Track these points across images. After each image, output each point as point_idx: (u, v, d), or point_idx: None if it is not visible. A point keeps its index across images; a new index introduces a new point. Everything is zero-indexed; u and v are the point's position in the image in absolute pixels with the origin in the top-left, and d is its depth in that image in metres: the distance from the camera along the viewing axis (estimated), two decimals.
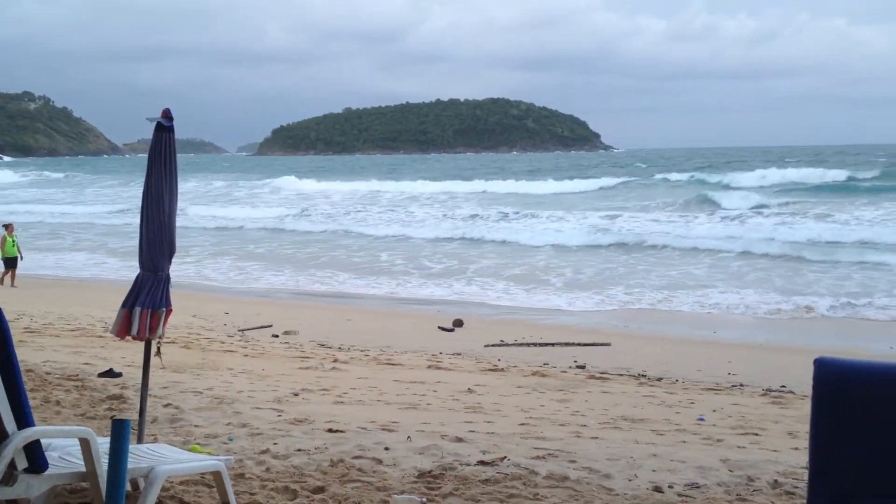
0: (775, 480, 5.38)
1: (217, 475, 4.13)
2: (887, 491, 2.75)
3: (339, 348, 10.70)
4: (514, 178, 50.27)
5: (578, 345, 11.01)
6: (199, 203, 38.43)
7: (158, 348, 4.79)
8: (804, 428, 6.27)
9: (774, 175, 41.89)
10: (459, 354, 10.52)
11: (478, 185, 46.39)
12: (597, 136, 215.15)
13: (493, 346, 11.09)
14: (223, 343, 10.60)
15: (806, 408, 3.04)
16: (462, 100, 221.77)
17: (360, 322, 13.02)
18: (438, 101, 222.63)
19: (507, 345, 11.15)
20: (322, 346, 10.88)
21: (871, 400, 2.82)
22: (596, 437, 6.48)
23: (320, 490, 4.86)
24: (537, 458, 5.75)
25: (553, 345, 11.03)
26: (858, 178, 39.30)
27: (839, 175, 40.52)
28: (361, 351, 10.47)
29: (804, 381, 3.19)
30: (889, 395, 2.80)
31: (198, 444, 5.64)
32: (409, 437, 6.19)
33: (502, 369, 9.49)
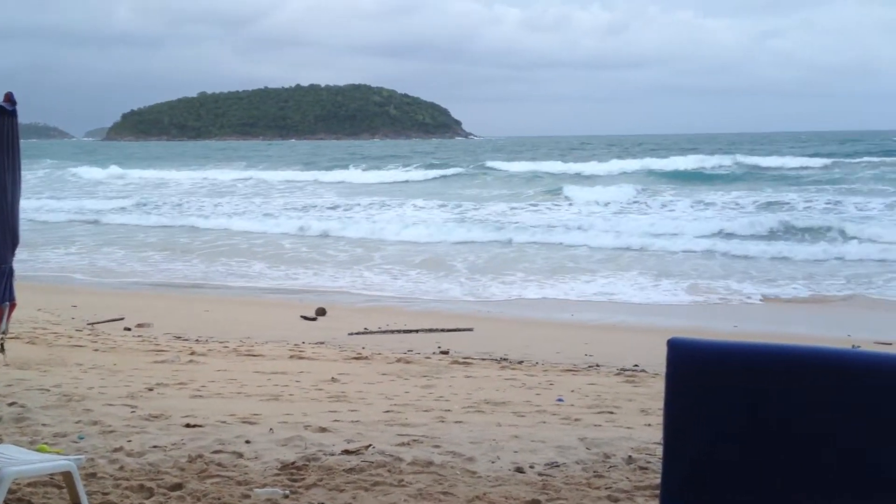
0: (630, 456, 5.59)
1: (67, 475, 3.97)
2: (737, 466, 2.89)
3: (197, 340, 10.38)
4: (378, 167, 49.36)
5: (442, 330, 11.10)
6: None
7: (2, 344, 4.51)
8: (656, 405, 6.55)
9: (632, 164, 42.76)
10: (323, 343, 10.41)
11: (337, 174, 45.34)
12: (458, 123, 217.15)
13: (356, 333, 11.03)
14: (71, 338, 10.09)
15: (657, 385, 3.15)
16: (323, 85, 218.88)
17: (219, 313, 12.68)
18: (299, 87, 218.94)
19: (371, 332, 11.12)
20: (178, 338, 10.52)
21: (722, 377, 2.94)
22: (460, 422, 6.55)
23: (178, 487, 4.71)
24: (402, 444, 5.76)
25: (417, 331, 11.07)
26: (711, 165, 40.71)
27: (706, 162, 41.72)
28: (220, 342, 10.20)
29: (655, 361, 3.31)
30: (737, 371, 2.94)
31: (46, 443, 5.36)
32: (271, 429, 6.08)
33: (366, 357, 9.46)
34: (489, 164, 48.03)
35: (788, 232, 21.36)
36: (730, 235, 20.77)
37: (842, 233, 20.62)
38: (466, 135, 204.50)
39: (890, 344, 9.57)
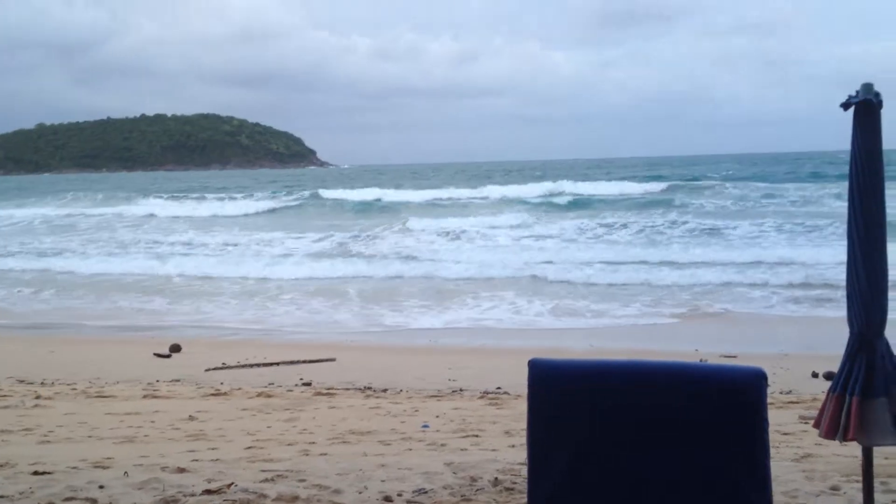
0: (496, 478, 5.65)
1: None
2: (596, 480, 2.97)
3: (42, 383, 9.82)
4: (218, 197, 47.39)
5: (304, 362, 10.93)
6: None
7: None
8: (519, 426, 6.66)
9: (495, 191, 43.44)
10: (178, 381, 10.05)
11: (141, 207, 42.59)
12: (313, 152, 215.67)
13: (214, 369, 10.71)
14: None
15: (520, 406, 3.21)
16: (170, 115, 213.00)
17: (65, 353, 12.04)
18: (144, 117, 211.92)
19: (229, 367, 10.82)
20: (21, 381, 9.92)
21: (580, 395, 3.03)
22: (325, 454, 6.45)
23: None
24: (266, 480, 5.62)
25: (278, 364, 10.86)
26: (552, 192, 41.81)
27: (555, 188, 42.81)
28: (68, 385, 9.68)
29: (517, 382, 3.38)
30: (591, 388, 3.03)
31: None
32: (125, 472, 5.80)
33: (225, 393, 9.19)
34: (325, 193, 47.04)
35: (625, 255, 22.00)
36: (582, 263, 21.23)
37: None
38: (322, 164, 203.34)
39: (735, 357, 10.10)
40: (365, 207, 39.36)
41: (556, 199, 38.77)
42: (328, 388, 9.44)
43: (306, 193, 47.81)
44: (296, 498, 5.26)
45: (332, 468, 5.96)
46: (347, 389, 9.44)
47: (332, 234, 28.68)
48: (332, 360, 11.15)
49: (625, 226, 28.34)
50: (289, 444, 6.81)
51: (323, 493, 5.39)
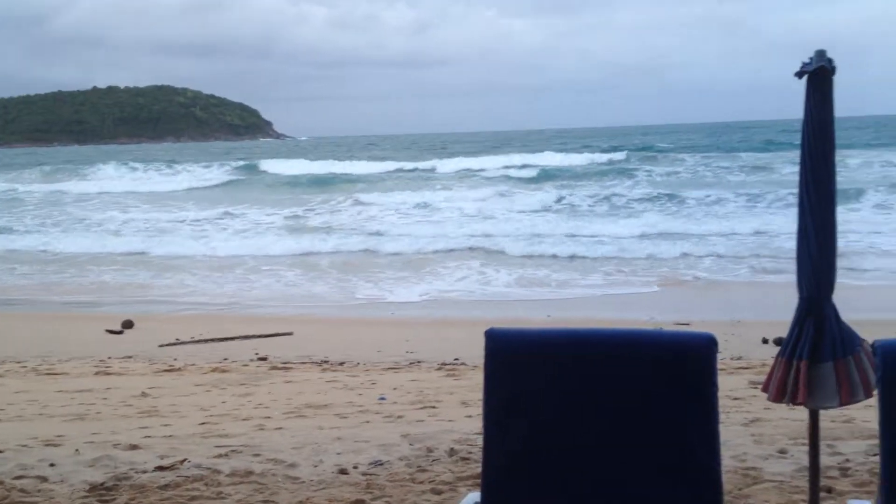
0: (452, 448, 5.67)
1: None
2: (552, 452, 2.97)
3: None
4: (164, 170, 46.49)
5: (260, 336, 10.84)
6: None
7: None
8: (476, 396, 6.68)
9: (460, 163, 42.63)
10: (131, 357, 9.91)
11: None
12: (269, 124, 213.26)
13: (168, 345, 10.58)
14: None
15: (477, 377, 3.19)
16: (122, 87, 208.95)
17: (13, 329, 11.81)
18: (95, 89, 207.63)
19: (183, 343, 10.69)
20: None
21: (535, 364, 3.02)
22: (280, 428, 6.42)
23: None
24: (220, 456, 5.57)
25: (233, 338, 10.76)
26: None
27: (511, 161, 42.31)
28: (17, 362, 9.50)
29: (475, 353, 3.37)
30: (550, 357, 3.02)
31: None
32: (77, 450, 5.71)
33: (179, 369, 9.09)
34: (276, 166, 45.43)
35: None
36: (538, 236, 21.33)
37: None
38: (278, 135, 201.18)
39: (688, 324, 10.21)
40: (318, 181, 38.74)
41: (519, 172, 38.52)
42: (284, 363, 9.38)
43: (259, 166, 46.95)
44: (250, 473, 5.23)
45: (288, 442, 5.93)
46: (304, 363, 9.39)
47: (282, 210, 28.18)
48: (290, 333, 11.07)
49: (589, 196, 28.41)
50: (243, 420, 6.76)
51: (278, 467, 5.37)
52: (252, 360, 9.59)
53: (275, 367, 9.10)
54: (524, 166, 40.08)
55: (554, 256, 17.59)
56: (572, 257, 17.46)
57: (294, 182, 38.71)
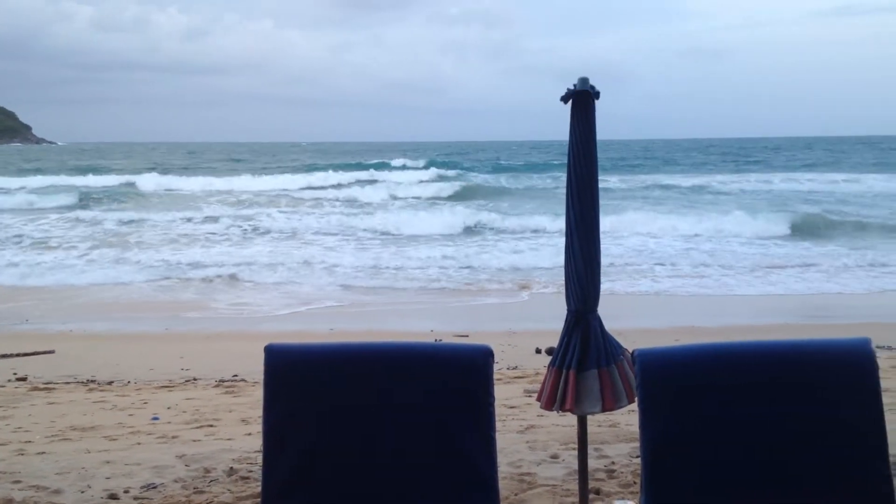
0: (231, 468, 5.52)
1: None
2: (334, 468, 2.96)
3: None
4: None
5: (18, 355, 10.04)
6: None
7: None
8: (256, 414, 6.53)
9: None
10: None
11: None
12: (28, 127, 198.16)
13: None
14: None
15: (257, 394, 3.13)
16: None
17: None
18: None
19: None
20: None
21: (316, 379, 3.01)
22: (43, 453, 5.98)
23: None
24: None
25: None
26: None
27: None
28: None
29: (255, 369, 3.30)
30: (331, 372, 3.02)
31: None
32: None
33: None
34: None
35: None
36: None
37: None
38: (39, 140, 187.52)
39: (466, 336, 10.53)
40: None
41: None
42: (46, 383, 8.75)
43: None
44: (10, 501, 4.84)
45: (51, 467, 5.54)
46: (68, 383, 8.80)
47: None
48: (51, 352, 10.33)
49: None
50: (1, 444, 6.24)
51: (41, 494, 5.00)
52: (9, 381, 8.86)
53: (36, 388, 8.47)
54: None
55: (335, 265, 17.63)
56: (358, 269, 17.55)
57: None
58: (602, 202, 3.84)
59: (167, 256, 19.05)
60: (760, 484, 2.84)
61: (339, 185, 38.83)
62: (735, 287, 15.16)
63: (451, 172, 43.73)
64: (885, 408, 2.84)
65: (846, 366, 2.89)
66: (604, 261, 3.82)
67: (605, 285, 3.92)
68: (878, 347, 3.16)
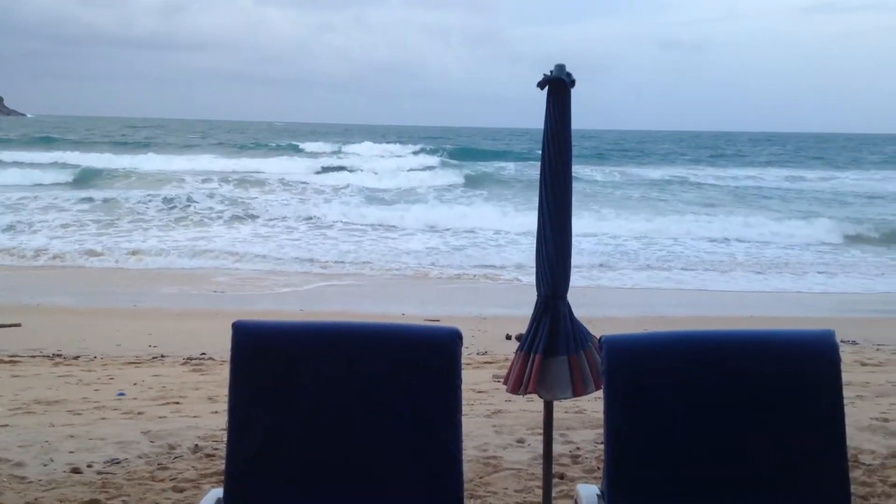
0: (196, 445, 5.50)
1: None
2: (298, 445, 2.96)
3: None
4: None
5: None
6: None
7: None
8: (222, 392, 6.51)
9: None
10: None
11: None
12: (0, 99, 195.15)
13: None
14: None
15: (225, 372, 3.12)
16: None
17: None
18: None
19: None
20: None
21: (283, 357, 3.00)
22: (6, 425, 5.93)
23: None
24: None
25: None
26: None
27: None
28: None
29: (223, 347, 3.29)
30: (298, 350, 3.01)
31: None
32: None
33: None
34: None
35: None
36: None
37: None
38: (11, 112, 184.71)
39: (437, 320, 10.54)
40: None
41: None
42: (11, 356, 8.65)
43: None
44: None
45: (14, 440, 5.49)
46: (34, 357, 8.71)
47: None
48: (17, 325, 10.22)
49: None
50: None
51: (3, 466, 4.97)
52: None
53: (1, 361, 8.38)
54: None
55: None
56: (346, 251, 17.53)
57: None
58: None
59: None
60: (720, 470, 2.88)
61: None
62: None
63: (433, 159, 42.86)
64: (845, 401, 2.89)
65: (810, 356, 2.93)
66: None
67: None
68: (842, 342, 3.21)
